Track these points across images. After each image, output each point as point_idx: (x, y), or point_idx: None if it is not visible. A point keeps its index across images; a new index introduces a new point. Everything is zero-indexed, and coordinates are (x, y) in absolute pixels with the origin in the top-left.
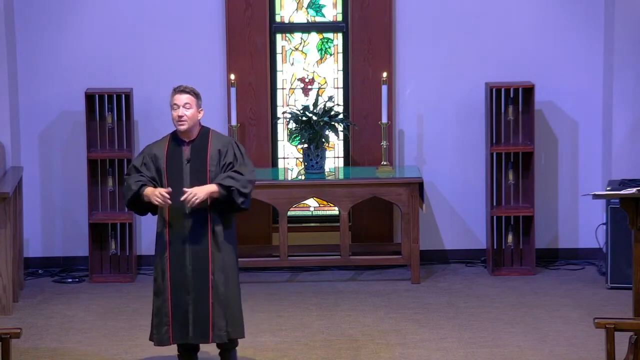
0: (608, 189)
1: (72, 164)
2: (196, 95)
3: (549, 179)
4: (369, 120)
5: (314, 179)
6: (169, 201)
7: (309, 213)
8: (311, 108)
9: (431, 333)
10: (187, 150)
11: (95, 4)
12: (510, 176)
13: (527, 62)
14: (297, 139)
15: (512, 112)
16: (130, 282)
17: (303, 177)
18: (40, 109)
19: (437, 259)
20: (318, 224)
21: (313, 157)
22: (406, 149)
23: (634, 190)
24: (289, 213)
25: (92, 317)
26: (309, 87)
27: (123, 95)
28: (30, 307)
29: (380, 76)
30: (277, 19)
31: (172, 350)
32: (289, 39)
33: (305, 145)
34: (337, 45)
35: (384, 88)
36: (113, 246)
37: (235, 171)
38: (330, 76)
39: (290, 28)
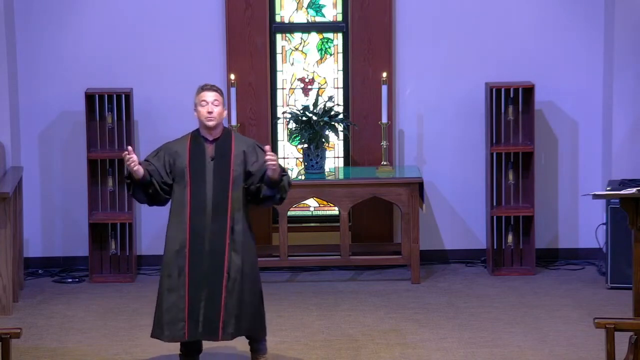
0: (608, 189)
1: (72, 164)
2: (222, 94)
3: (549, 179)
4: (369, 120)
5: (314, 179)
6: (129, 155)
7: (309, 213)
8: (311, 108)
9: (431, 333)
10: (210, 149)
11: (95, 4)
12: (510, 176)
13: (527, 62)
14: (297, 139)
15: (512, 112)
16: (130, 282)
17: (303, 177)
18: (40, 109)
19: (437, 259)
20: (318, 224)
21: (313, 157)
22: (406, 149)
23: (634, 190)
24: (289, 213)
25: (92, 317)
26: (309, 87)
27: (123, 95)
28: (30, 307)
29: (380, 76)
30: (277, 19)
31: (172, 350)
32: (289, 39)
33: (305, 145)
34: (337, 45)
35: (384, 88)
36: (113, 246)
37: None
38: (330, 76)
39: (290, 28)
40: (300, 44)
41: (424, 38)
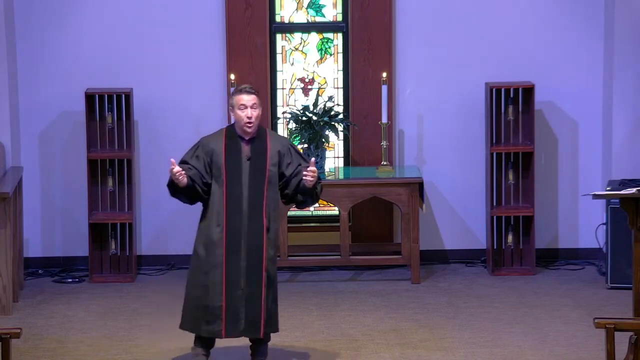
0: (608, 189)
1: (72, 164)
2: (258, 94)
3: (549, 179)
4: (369, 120)
5: None
6: (177, 173)
7: (309, 213)
8: (311, 108)
9: (431, 333)
10: (246, 148)
11: (95, 4)
12: (510, 176)
13: (527, 62)
14: (297, 139)
15: (512, 112)
16: (130, 282)
17: None
18: (40, 109)
19: (437, 259)
20: (318, 224)
21: (313, 157)
22: (406, 149)
23: (634, 190)
24: (289, 213)
25: (92, 317)
26: (309, 87)
27: (123, 95)
28: (30, 307)
29: (380, 76)
30: (277, 19)
31: (173, 350)
32: (289, 39)
33: (305, 145)
34: (337, 45)
35: (384, 88)
36: (113, 246)
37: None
38: (330, 76)
39: (290, 28)
40: (300, 44)
41: (424, 38)
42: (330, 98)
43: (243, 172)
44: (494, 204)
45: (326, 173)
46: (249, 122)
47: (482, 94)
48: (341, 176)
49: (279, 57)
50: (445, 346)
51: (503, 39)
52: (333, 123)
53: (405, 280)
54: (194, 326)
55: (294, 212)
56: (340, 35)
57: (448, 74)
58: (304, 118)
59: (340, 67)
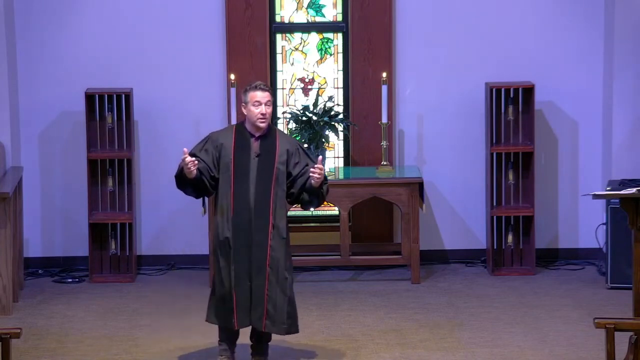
0: (608, 189)
1: (72, 164)
2: (271, 92)
3: (549, 179)
4: (369, 120)
5: None
6: (189, 158)
7: (309, 213)
8: (311, 108)
9: (431, 333)
10: (256, 145)
11: (95, 4)
12: (510, 176)
13: (527, 62)
14: (297, 139)
15: (512, 112)
16: (130, 282)
17: None
18: (40, 109)
19: (437, 259)
20: (318, 224)
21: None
22: (406, 149)
23: (634, 190)
24: (289, 213)
25: (92, 317)
26: (309, 87)
27: (123, 95)
28: (30, 307)
29: (380, 76)
30: (277, 19)
31: (173, 350)
32: (289, 39)
33: (306, 145)
34: (337, 45)
35: (384, 88)
36: (113, 246)
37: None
38: (330, 76)
39: (290, 28)
40: (300, 44)
41: (424, 38)
42: (330, 98)
43: (251, 169)
44: (494, 204)
45: (327, 173)
46: (262, 118)
47: (482, 94)
48: (341, 176)
49: (279, 57)
50: (445, 346)
51: (503, 39)
52: (333, 123)
53: (405, 280)
54: (214, 318)
55: (294, 212)
56: (340, 35)
57: (448, 74)
58: (304, 118)
59: (340, 67)
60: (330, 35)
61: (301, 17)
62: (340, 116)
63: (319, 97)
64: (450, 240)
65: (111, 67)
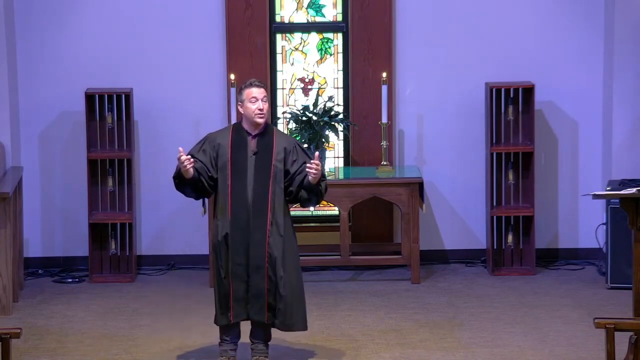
0: (608, 189)
1: (72, 164)
2: (267, 89)
3: (549, 179)
4: (369, 120)
5: None
6: (185, 160)
7: (309, 213)
8: (311, 108)
9: (431, 333)
10: (253, 143)
11: (95, 4)
12: (510, 176)
13: (527, 62)
14: (297, 139)
15: (512, 112)
16: (130, 282)
17: None
18: (40, 109)
19: (437, 259)
20: (318, 224)
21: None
22: (406, 149)
23: (634, 190)
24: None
25: (92, 317)
26: (309, 87)
27: (123, 95)
28: (30, 307)
29: (380, 76)
30: (277, 19)
31: (173, 350)
32: (289, 39)
33: (306, 145)
34: (337, 45)
35: (384, 88)
36: (113, 246)
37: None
38: (330, 76)
39: (290, 28)
40: (300, 44)
41: (424, 38)
42: (330, 98)
43: (249, 166)
44: (494, 204)
45: (326, 173)
46: (260, 114)
47: (482, 94)
48: (341, 176)
49: (279, 57)
50: (445, 346)
51: (503, 39)
52: (333, 123)
53: (405, 280)
54: (216, 319)
55: (294, 211)
56: (340, 35)
57: (448, 74)
58: (304, 118)
59: (340, 67)
60: (330, 35)
61: (301, 17)
62: (340, 116)
63: (319, 97)
64: (450, 240)
65: (111, 67)
